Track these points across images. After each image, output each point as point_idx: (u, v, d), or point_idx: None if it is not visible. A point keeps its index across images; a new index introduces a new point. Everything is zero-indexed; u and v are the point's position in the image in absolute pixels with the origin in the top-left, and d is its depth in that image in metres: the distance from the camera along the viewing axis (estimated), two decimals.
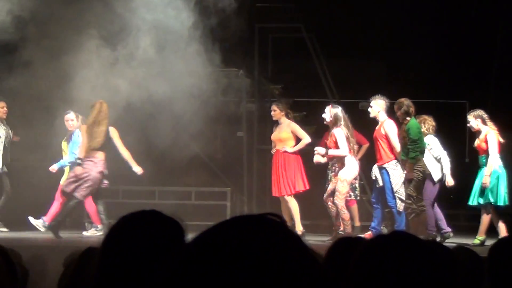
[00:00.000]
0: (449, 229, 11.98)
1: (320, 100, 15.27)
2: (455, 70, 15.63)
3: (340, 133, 11.85)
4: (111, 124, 12.10)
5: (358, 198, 12.86)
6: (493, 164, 11.49)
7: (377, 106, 11.88)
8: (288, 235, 1.32)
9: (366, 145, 12.93)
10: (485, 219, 11.66)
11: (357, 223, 12.75)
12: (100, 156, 12.12)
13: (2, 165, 12.83)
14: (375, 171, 12.07)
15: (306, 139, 12.40)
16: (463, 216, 14.81)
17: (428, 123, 12.12)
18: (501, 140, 11.59)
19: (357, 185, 12.73)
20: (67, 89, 12.64)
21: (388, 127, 11.73)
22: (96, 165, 12.08)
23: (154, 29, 13.02)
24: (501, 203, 11.54)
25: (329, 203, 11.98)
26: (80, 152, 12.17)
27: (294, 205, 12.27)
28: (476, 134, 11.83)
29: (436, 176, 11.95)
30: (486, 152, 11.57)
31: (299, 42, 15.74)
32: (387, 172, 11.73)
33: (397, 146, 11.63)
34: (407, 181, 11.52)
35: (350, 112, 13.72)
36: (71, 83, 12.65)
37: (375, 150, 12.08)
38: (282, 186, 12.35)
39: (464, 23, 15.70)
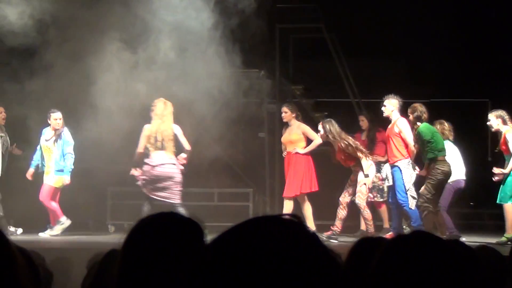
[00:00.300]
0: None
1: (342, 100, 15.25)
2: (477, 68, 15.54)
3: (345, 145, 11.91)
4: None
5: (384, 199, 12.83)
6: None
7: (391, 105, 11.91)
8: (306, 234, 1.32)
9: None
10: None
11: (386, 225, 12.73)
12: (171, 155, 12.06)
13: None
14: (387, 169, 12.05)
15: (317, 140, 12.33)
16: (487, 215, 14.73)
17: (442, 127, 12.12)
18: None
19: (384, 186, 12.71)
20: (88, 92, 12.67)
21: (402, 125, 11.75)
22: (176, 165, 12.08)
23: (175, 31, 13.03)
24: None
25: (343, 204, 12.00)
26: (138, 155, 12.04)
27: (289, 207, 12.24)
28: (497, 135, 11.77)
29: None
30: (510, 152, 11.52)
31: (320, 42, 15.70)
32: (400, 170, 11.72)
33: (412, 143, 11.64)
34: (426, 180, 11.51)
35: (371, 111, 13.72)
36: (92, 86, 12.69)
37: (386, 148, 12.10)
38: (288, 187, 12.34)
39: (486, 21, 15.61)
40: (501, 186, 11.48)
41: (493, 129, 11.77)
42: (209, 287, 1.26)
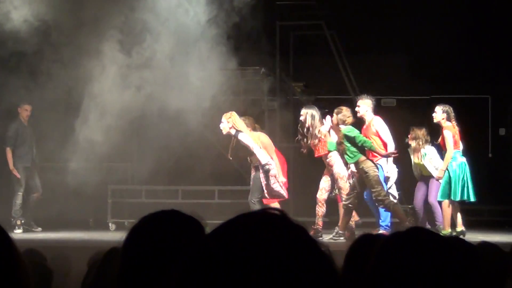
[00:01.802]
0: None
1: (342, 97, 15.24)
2: (478, 64, 15.53)
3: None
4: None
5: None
6: (450, 158, 11.53)
7: (365, 106, 11.98)
8: (292, 227, 1.32)
9: None
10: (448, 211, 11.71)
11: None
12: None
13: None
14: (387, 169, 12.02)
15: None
16: (488, 212, 14.72)
17: (418, 133, 12.19)
18: (458, 139, 11.64)
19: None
20: (86, 92, 12.71)
21: (378, 125, 11.83)
22: None
23: (175, 30, 13.04)
24: (456, 198, 11.53)
25: (321, 202, 11.96)
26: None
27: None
28: (438, 129, 11.89)
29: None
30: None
31: (320, 39, 15.71)
32: (382, 167, 11.75)
33: (390, 141, 11.70)
34: (366, 182, 11.49)
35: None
36: (90, 86, 12.72)
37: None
38: None
39: (487, 16, 15.59)
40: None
41: (434, 121, 11.91)
42: (197, 285, 1.27)
